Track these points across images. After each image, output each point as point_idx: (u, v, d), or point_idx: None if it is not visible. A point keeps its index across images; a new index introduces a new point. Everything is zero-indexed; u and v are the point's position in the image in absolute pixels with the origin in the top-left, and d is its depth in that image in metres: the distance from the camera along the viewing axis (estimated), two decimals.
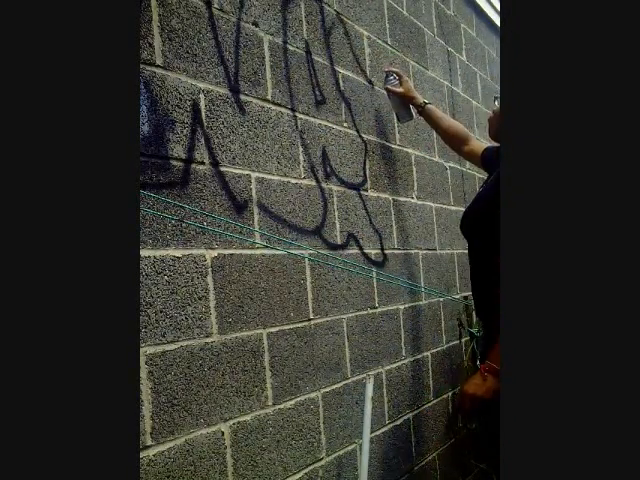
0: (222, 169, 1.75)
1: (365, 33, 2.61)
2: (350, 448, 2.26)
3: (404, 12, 2.99)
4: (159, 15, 1.58)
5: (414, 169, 2.94)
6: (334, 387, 2.20)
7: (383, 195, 2.63)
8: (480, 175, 3.77)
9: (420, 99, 2.64)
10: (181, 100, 1.63)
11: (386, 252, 2.61)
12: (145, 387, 1.47)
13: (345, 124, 2.40)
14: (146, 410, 1.47)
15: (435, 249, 3.09)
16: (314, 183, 2.17)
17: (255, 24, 1.93)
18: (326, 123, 2.27)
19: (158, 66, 1.57)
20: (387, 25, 2.81)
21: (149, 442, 1.47)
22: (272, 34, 2.01)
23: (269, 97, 1.97)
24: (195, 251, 1.64)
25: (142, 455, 1.45)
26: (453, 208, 3.35)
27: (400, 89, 2.58)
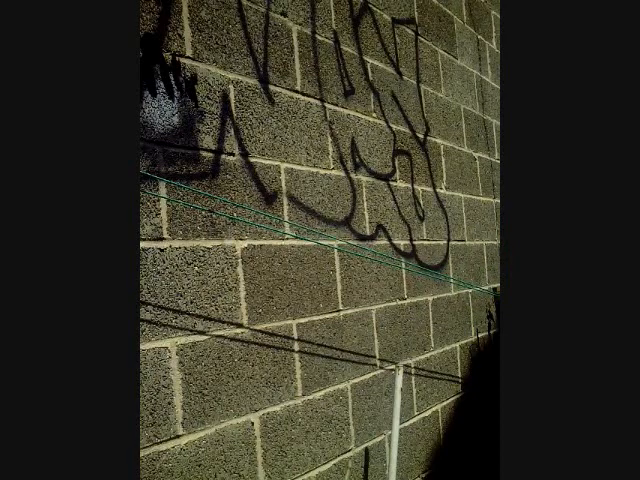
0: (252, 160, 1.75)
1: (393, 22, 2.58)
2: (378, 439, 2.26)
3: None
4: (189, 7, 1.58)
5: (443, 159, 2.91)
6: (363, 378, 2.19)
7: (412, 186, 2.61)
8: None
9: None
10: (210, 91, 1.63)
11: (415, 243, 2.59)
12: (176, 377, 1.48)
13: (374, 114, 2.38)
14: (177, 400, 1.48)
15: (464, 240, 3.06)
16: (343, 174, 2.16)
17: (284, 14, 1.92)
18: (355, 113, 2.25)
19: (188, 57, 1.57)
20: (416, 13, 2.77)
21: (180, 431, 1.48)
22: (301, 24, 2.00)
23: (298, 87, 1.96)
24: (225, 242, 1.64)
25: (174, 444, 1.47)
26: (482, 199, 3.30)
27: None
